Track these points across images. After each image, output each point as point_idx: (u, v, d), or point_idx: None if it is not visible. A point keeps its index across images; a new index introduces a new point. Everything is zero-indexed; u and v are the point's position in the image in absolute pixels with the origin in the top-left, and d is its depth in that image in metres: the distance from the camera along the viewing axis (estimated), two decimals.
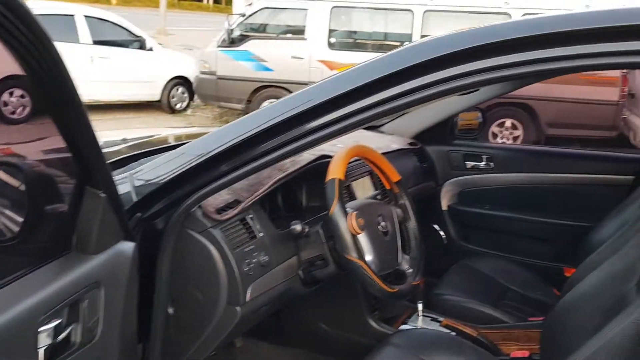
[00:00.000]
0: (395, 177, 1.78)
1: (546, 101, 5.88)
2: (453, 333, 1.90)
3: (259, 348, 2.08)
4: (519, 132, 6.26)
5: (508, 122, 6.24)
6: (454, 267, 2.40)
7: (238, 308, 1.40)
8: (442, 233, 2.79)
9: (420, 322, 1.94)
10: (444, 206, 2.77)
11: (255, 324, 1.68)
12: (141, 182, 1.35)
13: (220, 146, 1.26)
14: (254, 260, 1.44)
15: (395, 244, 1.68)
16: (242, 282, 1.40)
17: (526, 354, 1.66)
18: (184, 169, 1.29)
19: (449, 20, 6.29)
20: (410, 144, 2.62)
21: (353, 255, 1.45)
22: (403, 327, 1.96)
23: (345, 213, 1.46)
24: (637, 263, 1.44)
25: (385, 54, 1.26)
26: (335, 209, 1.44)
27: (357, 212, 1.47)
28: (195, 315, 1.43)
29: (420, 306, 1.95)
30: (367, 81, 1.17)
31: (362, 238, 1.52)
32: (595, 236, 2.23)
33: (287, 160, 1.64)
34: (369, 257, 1.53)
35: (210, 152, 1.27)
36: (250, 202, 1.49)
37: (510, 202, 2.68)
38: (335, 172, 1.49)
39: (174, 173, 1.30)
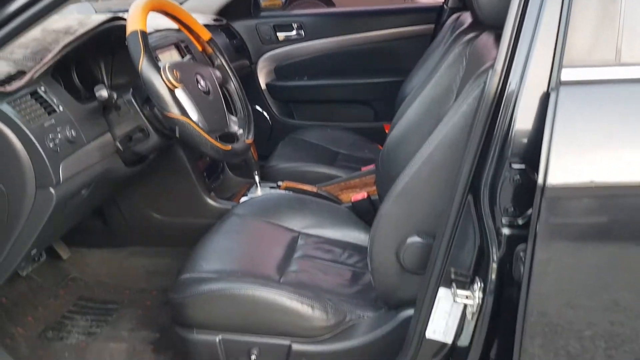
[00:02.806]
0: (206, 35, 1.61)
1: None
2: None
3: (90, 256, 1.86)
4: None
5: None
6: (282, 142, 2.36)
7: (52, 189, 1.18)
8: (265, 113, 2.71)
9: (260, 191, 1.88)
10: (262, 85, 2.68)
11: (81, 232, 1.47)
12: None
13: None
14: (59, 135, 1.21)
15: (220, 104, 1.54)
16: (49, 160, 1.17)
17: (365, 195, 1.69)
18: None
19: None
20: (215, 20, 2.43)
21: (175, 112, 1.27)
22: (244, 199, 1.87)
23: (158, 67, 1.27)
24: (452, 83, 1.48)
25: None
26: (144, 63, 1.24)
27: (170, 64, 1.29)
28: (1, 209, 1.18)
29: (257, 177, 1.88)
30: None
31: (182, 95, 1.34)
32: (407, 88, 2.31)
33: (75, 23, 1.38)
34: (194, 116, 1.37)
35: None
36: (40, 72, 1.22)
37: (326, 69, 2.67)
38: (135, 23, 1.26)
39: None
